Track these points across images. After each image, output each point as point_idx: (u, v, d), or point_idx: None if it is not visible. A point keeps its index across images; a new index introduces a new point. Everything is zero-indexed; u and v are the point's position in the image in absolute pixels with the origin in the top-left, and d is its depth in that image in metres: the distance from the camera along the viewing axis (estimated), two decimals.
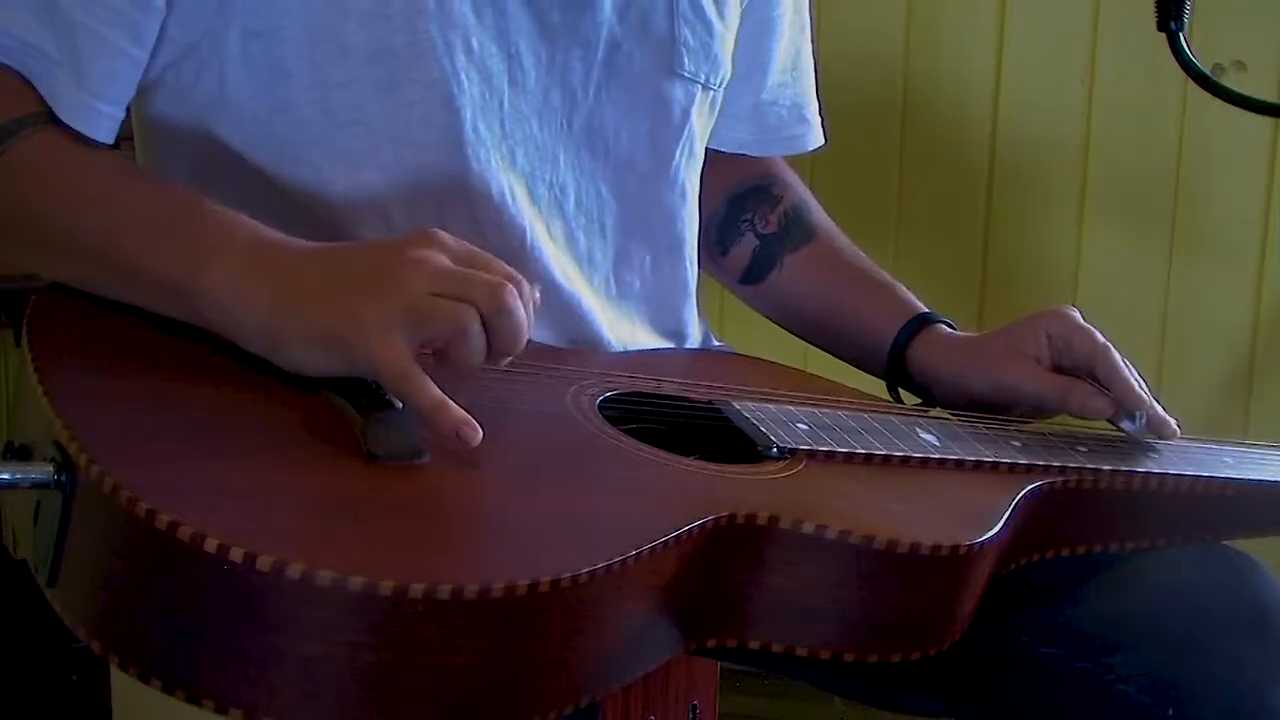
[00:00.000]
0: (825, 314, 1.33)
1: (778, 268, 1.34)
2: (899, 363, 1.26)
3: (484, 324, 0.90)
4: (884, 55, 2.30)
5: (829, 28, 2.17)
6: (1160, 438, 1.15)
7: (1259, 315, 2.26)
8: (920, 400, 1.26)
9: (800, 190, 1.38)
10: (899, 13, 2.29)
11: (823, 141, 1.39)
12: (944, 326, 1.27)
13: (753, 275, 1.35)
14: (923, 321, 1.27)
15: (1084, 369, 1.17)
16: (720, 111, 1.28)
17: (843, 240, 1.36)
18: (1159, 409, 1.15)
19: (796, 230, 1.35)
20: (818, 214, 1.37)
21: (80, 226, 0.98)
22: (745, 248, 1.35)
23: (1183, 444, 1.16)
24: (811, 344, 1.37)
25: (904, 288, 1.31)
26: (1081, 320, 1.19)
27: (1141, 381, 1.16)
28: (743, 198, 1.35)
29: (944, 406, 1.21)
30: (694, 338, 1.30)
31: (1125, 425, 1.16)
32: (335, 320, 0.90)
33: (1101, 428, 1.17)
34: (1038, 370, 1.18)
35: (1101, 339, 1.17)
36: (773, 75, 1.33)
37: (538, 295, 0.95)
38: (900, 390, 1.28)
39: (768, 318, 1.39)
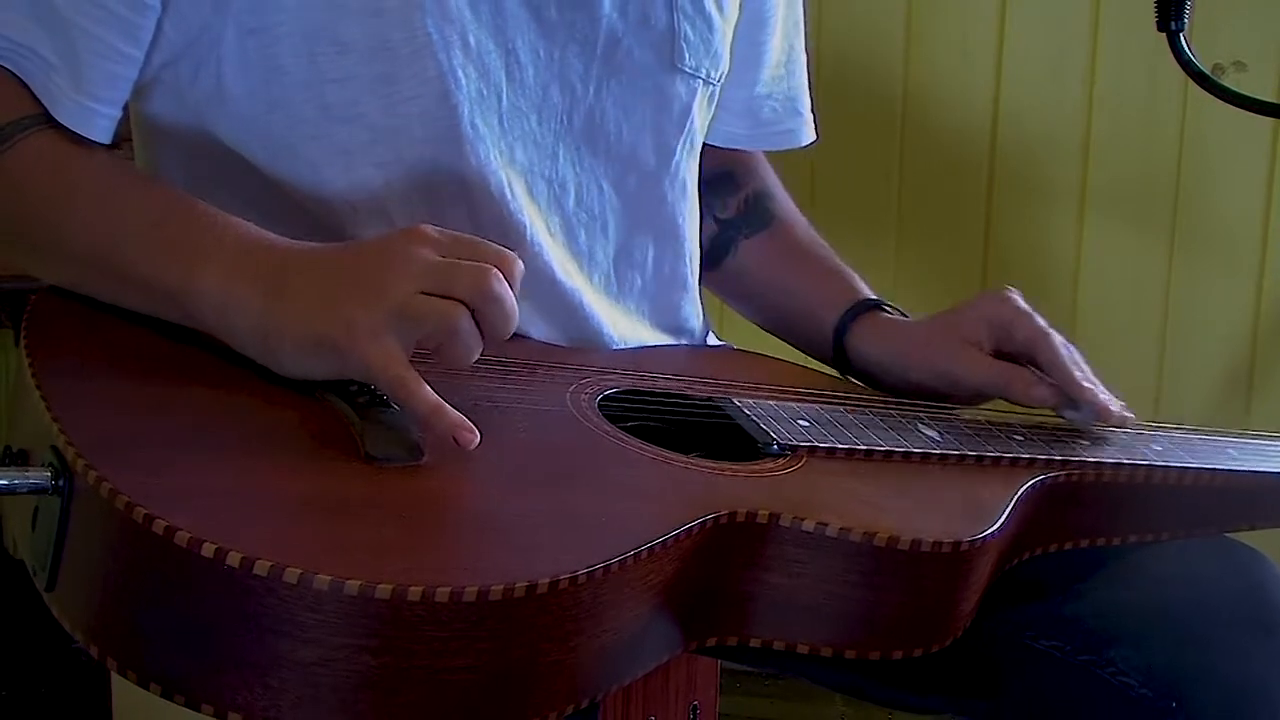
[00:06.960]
0: (775, 301, 1.32)
1: (733, 253, 1.34)
2: (841, 350, 1.25)
3: (474, 316, 0.89)
4: (884, 55, 2.30)
5: (829, 28, 2.18)
6: (1108, 425, 1.12)
7: (1259, 315, 2.25)
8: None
9: (766, 178, 1.37)
10: (899, 13, 2.28)
11: (815, 137, 1.38)
12: (886, 313, 1.25)
13: (710, 260, 1.34)
14: (865, 307, 1.25)
15: (1024, 356, 1.15)
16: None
17: (802, 228, 1.35)
18: (1102, 396, 1.12)
19: (755, 216, 1.34)
20: (781, 202, 1.36)
21: (74, 230, 0.98)
22: (704, 233, 1.33)
23: (1185, 436, 1.16)
24: (767, 332, 1.35)
25: (859, 277, 1.29)
26: (1022, 304, 1.17)
27: (1085, 368, 1.13)
28: (708, 184, 1.34)
29: (887, 393, 1.19)
30: (695, 332, 1.29)
31: (1068, 414, 1.13)
32: (325, 324, 0.90)
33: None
34: (978, 357, 1.16)
35: (1042, 324, 1.15)
36: (767, 69, 1.32)
37: (520, 267, 0.93)
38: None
39: (726, 304, 1.38)
